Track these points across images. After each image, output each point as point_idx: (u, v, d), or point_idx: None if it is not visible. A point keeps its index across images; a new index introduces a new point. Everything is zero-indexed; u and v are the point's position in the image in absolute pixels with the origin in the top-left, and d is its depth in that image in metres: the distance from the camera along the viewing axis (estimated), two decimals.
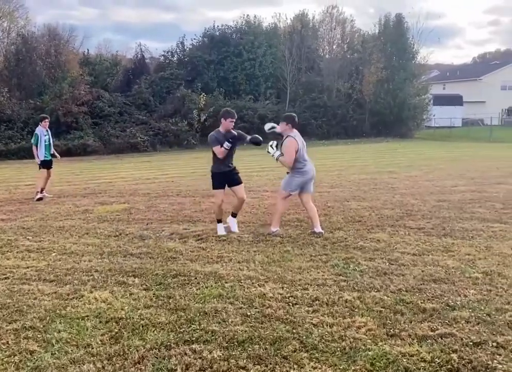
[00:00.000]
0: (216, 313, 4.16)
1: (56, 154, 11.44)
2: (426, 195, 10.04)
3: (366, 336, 3.67)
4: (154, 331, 3.86)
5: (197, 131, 30.02)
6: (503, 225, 7.20)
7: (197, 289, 4.74)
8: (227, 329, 3.84)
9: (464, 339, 3.55)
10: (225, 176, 7.16)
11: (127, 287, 4.89)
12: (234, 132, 6.97)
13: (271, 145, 6.98)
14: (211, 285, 4.82)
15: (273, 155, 6.98)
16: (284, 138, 7.00)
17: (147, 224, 7.82)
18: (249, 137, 7.15)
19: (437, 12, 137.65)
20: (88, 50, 37.47)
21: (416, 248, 6.04)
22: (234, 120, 7.04)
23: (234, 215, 7.36)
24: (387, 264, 5.41)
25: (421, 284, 4.74)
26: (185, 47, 37.19)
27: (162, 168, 17.36)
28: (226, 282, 4.90)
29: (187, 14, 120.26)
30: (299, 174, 6.92)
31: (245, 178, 13.16)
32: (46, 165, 10.98)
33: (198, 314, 4.14)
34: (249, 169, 15.62)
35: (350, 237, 6.66)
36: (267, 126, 7.45)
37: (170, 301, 4.47)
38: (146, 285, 4.92)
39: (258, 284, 4.80)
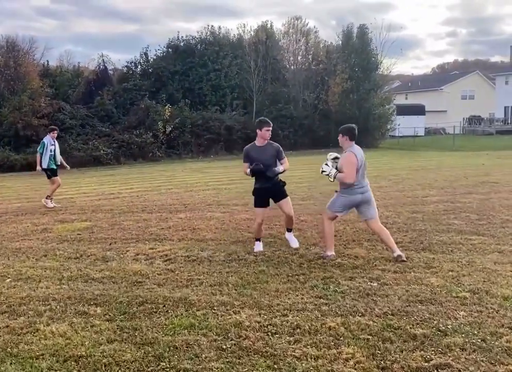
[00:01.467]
0: (187, 347, 3.76)
1: (65, 164, 11.94)
2: (399, 206, 9.85)
3: (356, 369, 3.33)
4: (118, 371, 3.43)
5: (162, 143, 29.45)
6: (481, 237, 7.01)
7: (166, 319, 4.32)
8: (201, 366, 3.44)
9: (462, 370, 3.25)
10: (266, 192, 6.58)
11: (88, 318, 4.43)
12: (268, 148, 6.46)
13: (326, 164, 6.22)
14: (181, 314, 4.40)
15: (328, 174, 6.09)
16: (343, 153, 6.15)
17: (110, 244, 7.33)
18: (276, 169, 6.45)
19: (399, 24, 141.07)
20: (47, 61, 36.43)
21: (396, 265, 5.76)
22: (270, 128, 6.49)
23: (288, 230, 6.92)
24: (368, 283, 5.10)
25: (407, 306, 4.44)
26: (149, 58, 36.61)
27: (127, 182, 16.77)
28: (198, 310, 4.49)
29: (150, 25, 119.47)
30: (345, 193, 6.08)
31: (214, 192, 12.84)
32: (54, 173, 11.40)
33: (167, 349, 3.73)
34: (218, 182, 15.23)
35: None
36: (331, 156, 6.38)
37: (136, 333, 4.04)
38: (110, 315, 4.47)
39: (233, 311, 4.41)
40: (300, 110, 34.44)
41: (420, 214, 8.83)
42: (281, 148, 6.59)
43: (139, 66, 36.61)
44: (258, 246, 6.67)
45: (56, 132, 11.63)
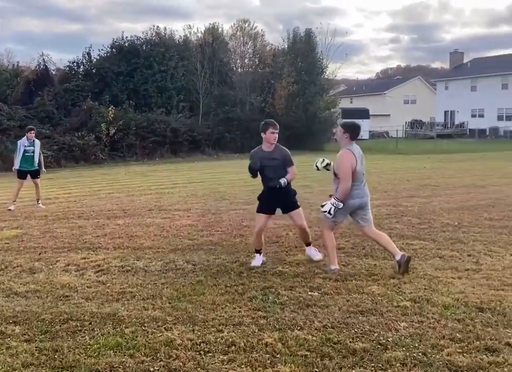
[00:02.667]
0: (111, 370, 3.44)
1: (42, 167, 11.47)
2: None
3: None
4: None
5: (105, 145, 28.56)
6: (422, 242, 7.01)
7: (90, 338, 3.97)
8: None
9: None
10: (272, 195, 5.92)
11: (4, 339, 4.02)
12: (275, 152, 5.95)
13: (320, 161, 5.91)
14: (108, 332, 4.06)
15: (329, 211, 5.59)
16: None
17: (39, 254, 6.85)
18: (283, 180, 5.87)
19: (344, 29, 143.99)
20: None
21: (338, 272, 5.61)
22: (276, 131, 5.92)
23: (307, 244, 6.28)
24: (309, 293, 4.91)
25: (347, 317, 4.27)
26: (92, 58, 35.50)
27: (66, 186, 16.05)
28: (127, 327, 4.16)
29: (94, 25, 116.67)
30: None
31: (156, 196, 12.42)
32: (21, 175, 11.13)
33: None
34: (161, 186, 14.80)
35: (268, 262, 6.13)
36: (322, 163, 5.99)
37: (56, 356, 3.69)
38: (29, 335, 4.08)
39: (164, 328, 4.11)
40: (247, 113, 34.30)
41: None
42: (289, 154, 6.03)
43: (82, 67, 35.43)
44: (257, 260, 5.98)
45: (32, 132, 11.23)
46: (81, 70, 35.23)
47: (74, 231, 8.32)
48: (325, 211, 5.59)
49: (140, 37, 35.90)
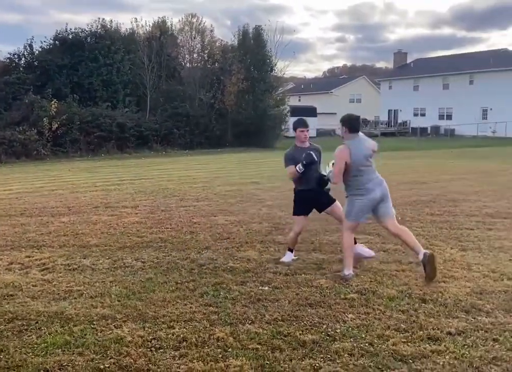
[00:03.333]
0: (60, 369, 3.38)
1: None
2: (291, 206, 9.90)
3: None
4: None
5: (48, 140, 27.64)
6: (368, 236, 7.21)
7: (37, 337, 3.88)
8: None
9: None
10: (312, 197, 5.91)
11: None
12: (310, 148, 5.88)
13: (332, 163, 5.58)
14: (56, 331, 3.98)
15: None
16: None
17: None
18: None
19: (292, 27, 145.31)
20: None
21: (288, 267, 5.70)
22: (305, 130, 5.90)
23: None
24: (260, 288, 4.97)
25: (297, 310, 4.36)
26: (34, 50, 34.27)
27: (6, 182, 15.45)
28: (75, 325, 4.08)
29: (36, 16, 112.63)
30: (359, 195, 5.34)
31: (102, 193, 12.17)
32: None
33: None
34: (107, 182, 14.50)
35: (219, 258, 6.15)
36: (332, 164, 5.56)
37: (1, 356, 3.59)
38: None
39: (114, 326, 4.07)
40: (196, 109, 34.06)
41: (313, 214, 8.89)
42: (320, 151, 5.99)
43: (23, 59, 34.13)
44: (289, 257, 5.97)
45: None
46: (22, 62, 33.94)
47: (17, 229, 8.05)
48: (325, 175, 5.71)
49: (85, 30, 34.93)
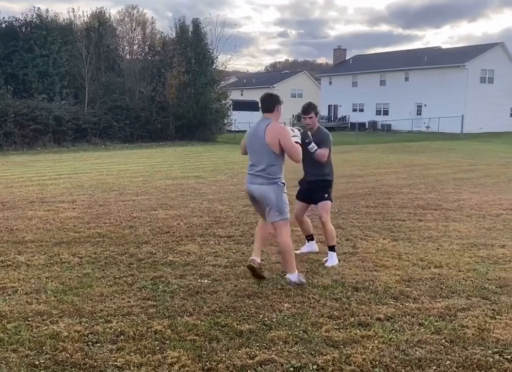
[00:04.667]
0: None
1: None
2: (233, 200, 10.02)
3: None
4: None
5: None
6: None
7: None
8: None
9: (284, 364, 3.31)
10: (305, 185, 5.91)
11: None
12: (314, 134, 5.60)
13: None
14: None
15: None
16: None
17: None
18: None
19: (233, 21, 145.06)
20: None
21: (227, 259, 5.79)
22: (306, 116, 5.70)
23: (330, 248, 5.75)
24: (199, 281, 5.03)
25: (235, 301, 4.46)
26: None
27: None
28: (9, 322, 4.00)
29: None
30: (283, 186, 5.04)
31: (38, 188, 11.81)
32: None
33: None
34: (43, 177, 14.07)
35: (158, 252, 6.15)
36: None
37: None
38: None
39: (50, 321, 4.01)
40: (137, 101, 33.47)
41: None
42: (327, 138, 5.66)
43: None
44: (307, 247, 6.10)
45: None
46: None
47: None
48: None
49: (19, 19, 33.55)
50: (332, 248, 5.69)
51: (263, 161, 4.84)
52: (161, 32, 38.59)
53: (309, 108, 5.74)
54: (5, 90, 29.01)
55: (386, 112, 49.17)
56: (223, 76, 39.65)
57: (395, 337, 3.70)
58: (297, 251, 5.82)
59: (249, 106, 49.28)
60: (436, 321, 3.98)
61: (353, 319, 4.04)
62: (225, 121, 37.53)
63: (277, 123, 4.93)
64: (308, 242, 6.14)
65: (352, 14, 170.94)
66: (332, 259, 5.61)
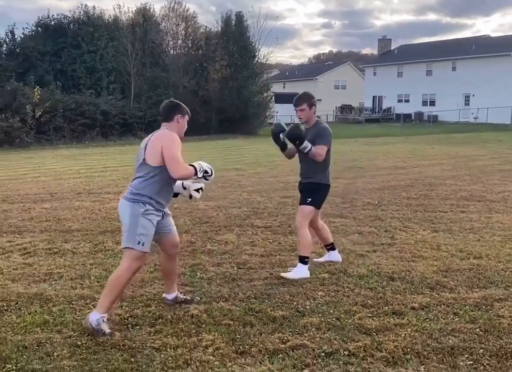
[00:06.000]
0: (38, 346, 3.50)
1: None
2: (271, 191, 10.09)
3: (214, 356, 3.31)
4: None
5: (31, 128, 27.47)
6: (344, 220, 7.40)
7: (17, 317, 4.00)
8: (51, 365, 3.22)
9: (316, 349, 3.37)
10: (299, 188, 5.32)
11: None
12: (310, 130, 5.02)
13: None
14: (35, 311, 4.10)
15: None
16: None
17: None
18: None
19: (276, 13, 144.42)
20: None
21: (263, 249, 5.87)
22: (297, 109, 4.96)
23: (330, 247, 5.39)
24: (235, 268, 5.14)
25: (270, 288, 4.54)
26: (16, 37, 33.88)
27: None
28: (54, 306, 4.21)
29: (16, 1, 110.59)
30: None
31: (86, 180, 12.21)
32: None
33: (16, 349, 3.44)
34: (91, 169, 14.54)
35: (197, 241, 6.30)
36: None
37: None
38: None
39: (93, 305, 4.19)
40: (180, 96, 33.87)
41: (291, 198, 9.09)
42: (324, 133, 4.95)
43: (5, 45, 33.77)
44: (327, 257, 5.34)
45: None
46: (4, 49, 33.60)
47: None
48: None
49: (67, 16, 34.62)
50: (301, 259, 4.85)
51: None
52: (205, 26, 38.99)
53: (299, 99, 4.97)
54: (54, 85, 30.00)
55: (432, 103, 48.03)
56: (265, 69, 39.72)
57: (428, 325, 3.69)
58: (316, 259, 5.30)
59: (290, 98, 48.94)
60: (472, 311, 3.94)
61: (387, 307, 4.05)
62: (267, 114, 37.57)
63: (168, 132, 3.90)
64: (328, 251, 5.34)
65: (397, 3, 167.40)
66: (296, 271, 4.78)
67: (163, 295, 4.30)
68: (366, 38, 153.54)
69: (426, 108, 47.29)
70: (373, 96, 54.06)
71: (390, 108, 51.36)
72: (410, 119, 45.41)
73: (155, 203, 3.83)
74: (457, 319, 3.80)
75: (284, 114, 43.95)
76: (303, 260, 4.84)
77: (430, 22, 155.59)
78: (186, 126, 4.11)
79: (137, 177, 3.88)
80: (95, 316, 3.69)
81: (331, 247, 5.30)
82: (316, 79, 60.06)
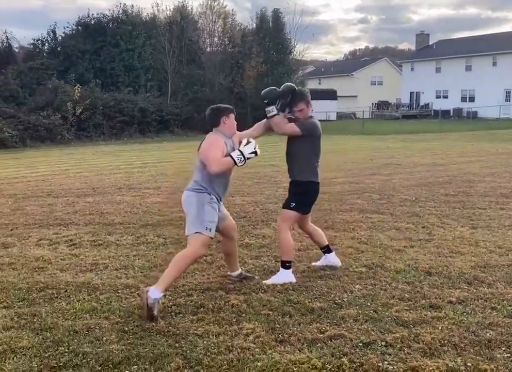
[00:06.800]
0: (88, 331, 3.70)
1: None
2: None
3: (255, 344, 3.44)
4: (13, 358, 3.31)
5: (72, 125, 28.29)
6: (381, 215, 7.41)
7: (67, 304, 4.22)
8: (101, 349, 3.40)
9: (353, 340, 3.45)
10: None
11: None
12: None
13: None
14: (84, 298, 4.32)
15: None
16: None
17: (11, 230, 6.99)
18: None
19: (311, 9, 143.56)
20: None
21: (300, 243, 5.96)
22: (295, 109, 4.80)
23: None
24: (273, 261, 5.25)
25: (308, 281, 4.63)
26: (57, 36, 34.89)
27: (32, 165, 15.98)
28: (101, 294, 4.42)
29: (58, 1, 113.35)
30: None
31: (125, 175, 12.55)
32: None
33: (67, 333, 3.64)
34: (130, 165, 14.91)
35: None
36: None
37: (35, 320, 3.92)
38: (7, 302, 4.29)
39: (138, 294, 4.36)
40: (216, 93, 34.29)
41: (327, 194, 9.12)
42: (305, 122, 4.72)
43: (47, 44, 34.84)
44: (323, 260, 5.11)
45: None
46: (45, 47, 34.66)
47: (44, 209, 8.45)
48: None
49: (106, 15, 35.42)
50: (283, 264, 4.68)
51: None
52: (241, 23, 39.20)
53: (299, 99, 4.77)
54: (94, 83, 30.76)
55: (472, 99, 46.96)
56: (300, 66, 39.69)
57: (465, 319, 3.72)
58: (313, 263, 5.16)
59: (326, 95, 48.83)
60: (510, 305, 3.95)
61: (424, 301, 4.09)
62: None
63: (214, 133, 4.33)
64: (324, 254, 5.09)
65: None
66: (279, 276, 4.63)
67: (228, 273, 4.68)
68: (403, 33, 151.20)
69: (465, 104, 46.29)
70: (411, 92, 53.24)
71: (428, 104, 50.48)
72: (449, 115, 44.53)
73: (215, 193, 4.25)
74: (494, 313, 3.82)
75: (319, 110, 43.76)
76: (285, 264, 4.66)
77: (469, 16, 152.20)
78: (235, 122, 4.44)
79: (199, 173, 4.27)
80: (155, 295, 3.85)
81: (326, 249, 5.05)
82: (352, 75, 59.51)
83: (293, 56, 36.95)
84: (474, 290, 4.31)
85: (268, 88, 4.81)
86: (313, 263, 5.17)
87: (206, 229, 4.11)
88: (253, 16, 37.72)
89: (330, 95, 49.36)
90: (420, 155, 16.47)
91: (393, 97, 55.08)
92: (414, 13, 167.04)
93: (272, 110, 4.62)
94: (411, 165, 13.60)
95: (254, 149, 4.34)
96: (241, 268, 4.79)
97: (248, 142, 4.35)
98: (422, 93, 51.89)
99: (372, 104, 53.27)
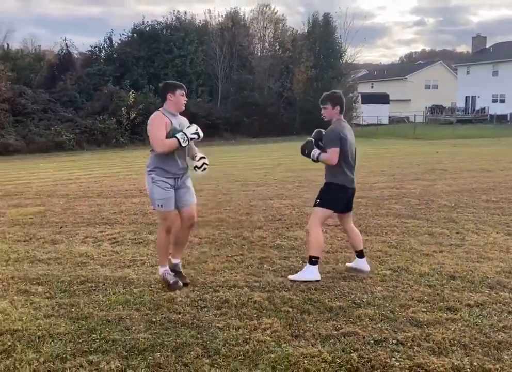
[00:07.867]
0: (119, 320, 4.00)
1: None
2: None
3: (271, 337, 3.63)
4: (50, 342, 3.65)
5: (126, 129, 29.33)
6: (416, 221, 7.43)
7: (103, 296, 4.55)
8: (129, 337, 3.69)
9: (366, 337, 3.59)
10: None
11: (28, 296, 4.62)
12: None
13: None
14: (119, 292, 4.64)
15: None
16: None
17: (61, 227, 7.48)
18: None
19: (366, 12, 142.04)
20: (7, 44, 35.74)
21: (330, 246, 6.10)
22: (321, 107, 5.14)
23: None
24: (300, 262, 5.42)
25: (331, 282, 4.78)
26: (113, 43, 36.28)
27: (87, 167, 16.77)
28: (136, 288, 4.73)
29: (115, 8, 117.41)
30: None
31: None
32: None
33: (100, 322, 3.96)
34: None
35: (268, 236, 6.65)
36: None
37: (73, 309, 4.26)
38: (50, 293, 4.67)
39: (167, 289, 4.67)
40: (265, 97, 34.67)
41: (365, 199, 9.22)
42: (330, 135, 4.99)
43: (103, 51, 36.28)
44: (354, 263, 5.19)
45: None
46: (102, 54, 36.05)
47: (93, 208, 8.94)
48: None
49: (160, 22, 36.48)
50: (310, 259, 4.82)
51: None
52: (292, 28, 39.43)
53: (324, 98, 5.07)
54: (148, 89, 31.76)
55: None
56: (352, 69, 39.48)
57: (480, 321, 3.78)
58: (347, 264, 5.27)
59: (378, 98, 48.30)
60: None
61: (442, 303, 4.16)
62: (353, 115, 37.30)
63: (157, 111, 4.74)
64: (356, 258, 5.14)
65: None
66: (303, 272, 4.81)
67: (169, 256, 4.94)
68: (462, 35, 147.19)
69: None
70: (466, 96, 51.80)
71: (484, 108, 48.98)
72: (506, 120, 43.12)
73: (161, 171, 4.72)
74: (510, 317, 3.85)
75: (370, 114, 43.39)
76: (312, 259, 4.80)
77: None
78: (182, 99, 4.86)
79: (151, 154, 4.84)
80: (160, 271, 4.80)
81: (358, 254, 5.09)
82: (406, 78, 58.57)
83: (344, 60, 36.83)
84: (494, 294, 4.33)
85: (303, 143, 5.28)
86: (347, 264, 5.26)
87: (158, 206, 4.73)
88: (305, 20, 37.76)
89: (382, 99, 48.79)
90: (469, 160, 16.15)
91: (448, 101, 53.77)
92: (473, 14, 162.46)
93: (314, 154, 5.00)
94: (457, 171, 13.39)
95: (196, 130, 4.84)
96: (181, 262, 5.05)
97: (190, 125, 4.90)
98: (478, 97, 50.39)
99: (426, 108, 52.24)
